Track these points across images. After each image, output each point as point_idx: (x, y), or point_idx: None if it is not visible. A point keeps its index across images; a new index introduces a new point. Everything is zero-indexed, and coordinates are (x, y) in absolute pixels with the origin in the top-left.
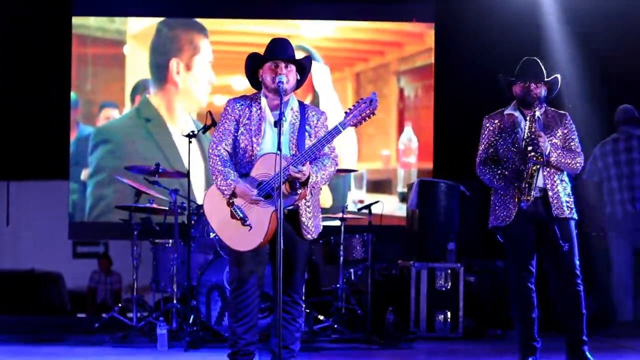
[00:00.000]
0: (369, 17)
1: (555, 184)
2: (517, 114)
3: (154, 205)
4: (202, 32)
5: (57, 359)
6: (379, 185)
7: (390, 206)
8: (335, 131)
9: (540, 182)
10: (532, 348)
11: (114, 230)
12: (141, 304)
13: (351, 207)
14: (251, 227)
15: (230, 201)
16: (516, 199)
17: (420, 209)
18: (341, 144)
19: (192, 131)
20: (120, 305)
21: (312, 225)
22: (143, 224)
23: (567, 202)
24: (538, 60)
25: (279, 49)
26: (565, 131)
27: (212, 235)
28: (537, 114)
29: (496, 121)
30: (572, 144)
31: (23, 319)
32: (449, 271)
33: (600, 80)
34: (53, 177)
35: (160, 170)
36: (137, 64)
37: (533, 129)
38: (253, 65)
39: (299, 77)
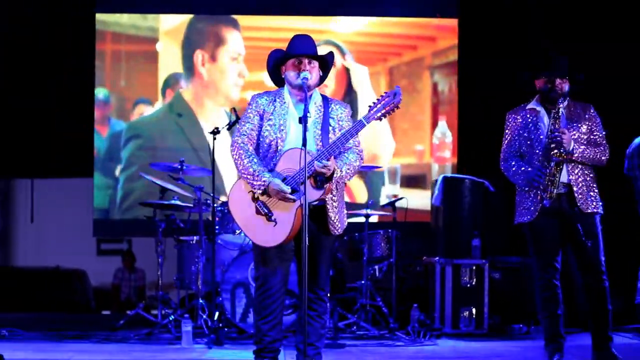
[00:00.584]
0: (389, 12)
1: (580, 179)
2: (540, 108)
3: (179, 202)
4: (231, 24)
5: (82, 355)
6: (413, 180)
7: (424, 201)
8: (360, 125)
9: (564, 178)
10: (558, 344)
11: (138, 227)
12: (166, 301)
13: (384, 202)
14: (276, 223)
15: (255, 197)
16: (539, 197)
17: (444, 205)
18: (377, 139)
19: (217, 127)
20: (144, 302)
21: (338, 220)
22: (167, 221)
23: (592, 196)
24: (563, 54)
25: (302, 45)
26: (590, 123)
27: (237, 232)
28: (561, 108)
29: (519, 116)
30: (596, 136)
31: (48, 315)
32: (474, 267)
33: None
34: (77, 175)
35: (184, 167)
36: (170, 61)
37: (557, 126)
38: (276, 62)
39: (321, 73)
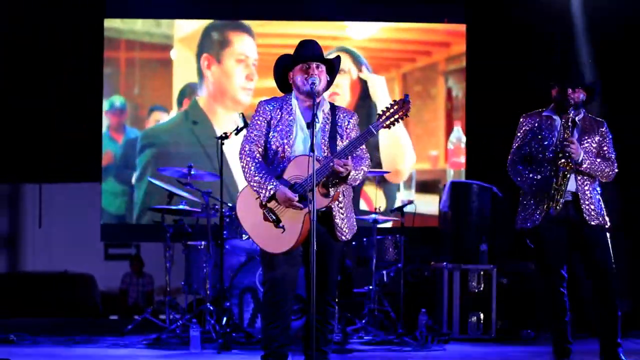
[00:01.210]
0: (400, 18)
1: (587, 190)
2: (554, 117)
3: (186, 207)
4: (239, 28)
5: None
6: (428, 186)
7: (436, 207)
8: (368, 133)
9: (572, 187)
10: (566, 350)
11: (146, 232)
12: (174, 306)
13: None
14: (284, 229)
15: (263, 204)
16: (545, 205)
17: (452, 210)
18: (396, 145)
19: (225, 133)
20: (152, 307)
21: (345, 226)
22: (175, 226)
23: (598, 209)
24: (578, 63)
25: (309, 50)
26: (601, 139)
27: (244, 237)
28: (575, 119)
29: (533, 121)
30: (606, 152)
31: (55, 320)
32: (482, 272)
33: None
34: (85, 180)
35: (193, 173)
36: (184, 68)
37: (567, 135)
38: (283, 67)
39: (328, 78)
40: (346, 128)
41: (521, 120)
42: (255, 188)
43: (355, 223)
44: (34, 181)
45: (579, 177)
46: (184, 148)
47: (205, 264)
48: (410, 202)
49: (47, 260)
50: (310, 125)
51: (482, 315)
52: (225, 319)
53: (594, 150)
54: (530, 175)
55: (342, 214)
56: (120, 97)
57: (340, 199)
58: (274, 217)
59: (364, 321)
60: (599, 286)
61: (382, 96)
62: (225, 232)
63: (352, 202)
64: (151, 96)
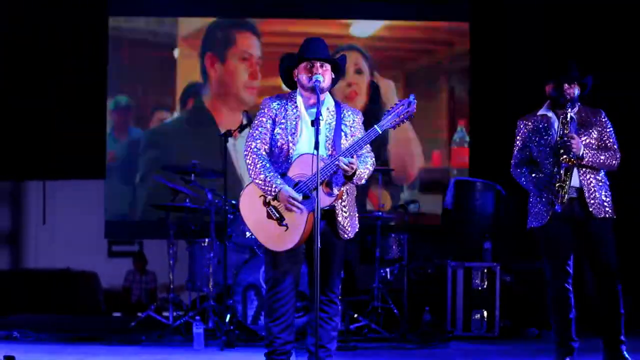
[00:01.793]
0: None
1: (591, 184)
2: (550, 114)
3: (190, 204)
4: (243, 27)
5: (94, 358)
6: (432, 185)
7: (440, 205)
8: (373, 133)
9: (575, 182)
10: (569, 348)
11: (149, 229)
12: (177, 303)
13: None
14: (287, 227)
15: (267, 201)
16: (551, 202)
17: (456, 208)
18: (406, 147)
19: (229, 130)
20: (156, 304)
21: (348, 224)
22: (179, 223)
23: (604, 201)
24: (572, 59)
25: (314, 49)
26: (600, 129)
27: (247, 234)
28: (571, 114)
29: (530, 123)
30: (607, 141)
31: (58, 317)
32: (486, 270)
33: None
34: (89, 177)
35: (197, 170)
36: (188, 67)
37: (566, 131)
38: (288, 65)
39: (333, 76)
40: (351, 126)
41: (518, 123)
42: (260, 186)
43: (357, 222)
44: (38, 178)
45: (581, 172)
46: (188, 147)
47: (209, 261)
48: (414, 202)
49: (50, 257)
50: (315, 122)
51: (485, 313)
52: (228, 316)
53: (593, 142)
54: (534, 175)
55: (346, 213)
56: (124, 97)
57: (343, 198)
58: (277, 215)
59: (367, 319)
60: (602, 283)
61: (393, 100)
62: (228, 230)
63: (358, 202)
64: (155, 96)
